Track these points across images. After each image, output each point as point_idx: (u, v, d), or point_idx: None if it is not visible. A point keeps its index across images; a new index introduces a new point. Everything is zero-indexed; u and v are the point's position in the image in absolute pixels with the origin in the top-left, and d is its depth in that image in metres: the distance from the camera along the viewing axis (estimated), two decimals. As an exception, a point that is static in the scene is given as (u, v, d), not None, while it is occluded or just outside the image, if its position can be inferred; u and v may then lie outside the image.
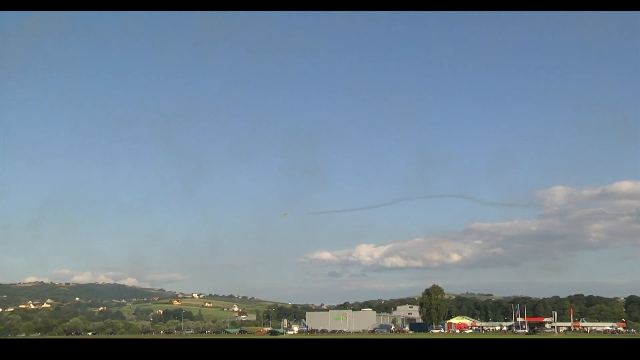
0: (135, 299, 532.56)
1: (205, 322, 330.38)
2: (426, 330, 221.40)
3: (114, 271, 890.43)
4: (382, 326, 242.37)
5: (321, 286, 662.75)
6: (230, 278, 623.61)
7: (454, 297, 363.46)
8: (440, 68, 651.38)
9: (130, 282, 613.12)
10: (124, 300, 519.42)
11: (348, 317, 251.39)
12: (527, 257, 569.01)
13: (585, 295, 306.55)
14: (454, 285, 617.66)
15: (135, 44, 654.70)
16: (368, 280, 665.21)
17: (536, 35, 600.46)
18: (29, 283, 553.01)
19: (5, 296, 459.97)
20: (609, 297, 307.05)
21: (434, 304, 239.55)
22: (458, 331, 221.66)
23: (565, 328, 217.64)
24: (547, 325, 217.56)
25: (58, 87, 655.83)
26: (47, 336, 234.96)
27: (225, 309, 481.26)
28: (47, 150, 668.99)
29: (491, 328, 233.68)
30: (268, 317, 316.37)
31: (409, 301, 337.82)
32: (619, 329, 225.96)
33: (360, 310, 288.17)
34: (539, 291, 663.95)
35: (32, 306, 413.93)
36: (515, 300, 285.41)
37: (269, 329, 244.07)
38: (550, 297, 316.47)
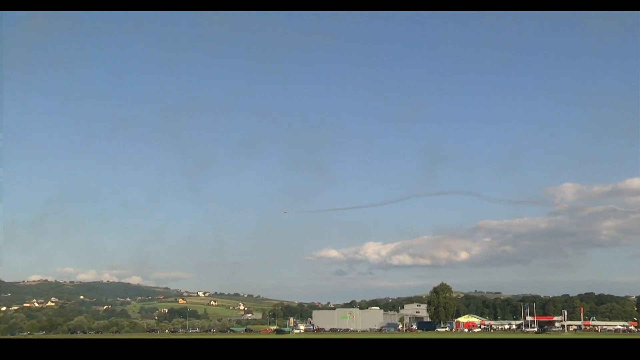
0: (140, 298, 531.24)
1: (210, 320, 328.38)
2: (434, 329, 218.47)
3: (118, 269, 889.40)
4: (389, 325, 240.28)
5: (328, 284, 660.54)
6: (235, 276, 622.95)
7: (462, 295, 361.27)
8: (448, 65, 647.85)
9: (135, 280, 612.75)
10: (128, 299, 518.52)
11: (355, 316, 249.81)
12: (537, 255, 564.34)
13: (596, 293, 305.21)
14: (462, 284, 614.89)
15: (139, 41, 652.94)
16: (375, 279, 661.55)
17: (546, 32, 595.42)
18: (33, 281, 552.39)
19: (9, 294, 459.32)
20: (620, 295, 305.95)
21: (442, 302, 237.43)
22: (466, 330, 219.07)
23: (576, 327, 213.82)
24: (557, 324, 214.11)
25: (61, 84, 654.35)
26: (51, 335, 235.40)
27: (230, 308, 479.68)
28: (51, 148, 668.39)
29: (500, 327, 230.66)
30: (274, 315, 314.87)
31: (417, 299, 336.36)
32: (630, 328, 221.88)
33: (367, 308, 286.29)
34: (549, 289, 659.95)
35: (37, 304, 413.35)
36: (524, 299, 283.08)
37: (275, 327, 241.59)
38: (560, 295, 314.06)
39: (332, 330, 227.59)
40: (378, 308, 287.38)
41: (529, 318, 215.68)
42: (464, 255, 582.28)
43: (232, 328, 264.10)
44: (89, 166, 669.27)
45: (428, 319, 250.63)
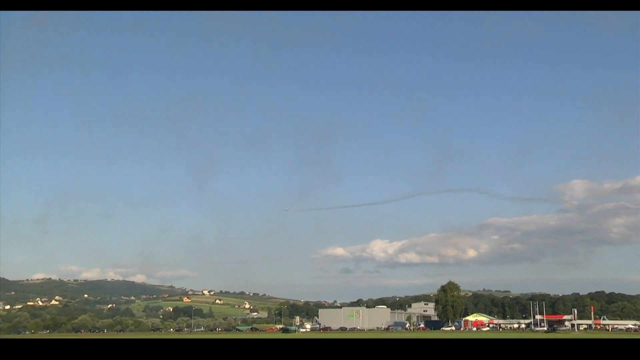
0: (144, 296, 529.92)
1: (215, 319, 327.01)
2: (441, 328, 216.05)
3: (123, 267, 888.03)
4: (396, 324, 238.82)
5: (334, 283, 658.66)
6: (241, 274, 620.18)
7: (470, 294, 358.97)
8: (456, 62, 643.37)
9: (139, 278, 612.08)
10: (133, 297, 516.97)
11: (362, 315, 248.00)
12: (546, 253, 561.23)
13: (607, 292, 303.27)
14: (470, 282, 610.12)
15: (144, 38, 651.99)
16: (382, 277, 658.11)
17: (555, 29, 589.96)
18: (37, 280, 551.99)
19: (13, 293, 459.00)
20: (632, 294, 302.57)
21: (450, 301, 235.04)
22: (475, 329, 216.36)
23: (586, 326, 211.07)
24: (566, 323, 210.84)
25: (64, 82, 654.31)
26: (55, 334, 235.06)
27: (236, 306, 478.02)
28: (55, 146, 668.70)
29: (509, 326, 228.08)
30: (280, 314, 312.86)
31: (424, 298, 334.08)
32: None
33: (374, 307, 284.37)
34: (558, 288, 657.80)
35: (41, 303, 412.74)
36: (533, 297, 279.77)
37: (281, 326, 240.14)
38: (569, 294, 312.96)
39: (342, 329, 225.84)
40: (385, 307, 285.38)
41: (538, 317, 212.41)
42: (472, 253, 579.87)
43: (237, 327, 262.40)
44: (93, 164, 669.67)
45: (436, 318, 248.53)
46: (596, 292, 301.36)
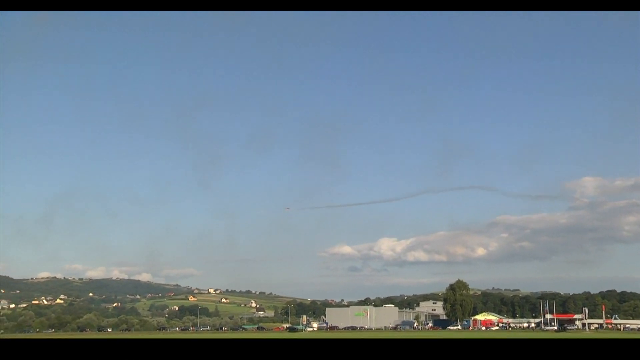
0: (150, 295, 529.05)
1: (222, 318, 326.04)
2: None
3: (128, 266, 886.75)
4: (404, 323, 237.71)
5: (341, 281, 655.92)
6: (247, 273, 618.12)
7: (479, 292, 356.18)
8: (464, 59, 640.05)
9: (144, 277, 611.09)
10: (138, 296, 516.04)
11: (369, 314, 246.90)
12: (556, 251, 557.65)
13: (618, 290, 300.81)
14: (479, 281, 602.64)
15: (150, 35, 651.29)
16: (390, 275, 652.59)
17: (566, 25, 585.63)
18: (42, 278, 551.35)
19: (18, 292, 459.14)
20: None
21: (459, 299, 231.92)
22: (484, 328, 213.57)
23: (597, 325, 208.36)
24: (577, 323, 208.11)
25: (70, 80, 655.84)
26: (61, 333, 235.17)
27: (242, 305, 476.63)
28: (59, 144, 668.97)
29: (518, 325, 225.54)
30: (286, 313, 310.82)
31: (433, 297, 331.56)
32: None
33: (381, 306, 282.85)
34: (569, 287, 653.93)
35: (46, 302, 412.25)
36: (543, 296, 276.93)
37: (287, 325, 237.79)
38: (580, 292, 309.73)
39: (351, 328, 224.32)
40: (393, 306, 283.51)
41: (548, 316, 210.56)
42: (480, 251, 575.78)
43: (243, 326, 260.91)
44: (98, 162, 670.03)
45: (444, 317, 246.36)
46: (607, 291, 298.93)
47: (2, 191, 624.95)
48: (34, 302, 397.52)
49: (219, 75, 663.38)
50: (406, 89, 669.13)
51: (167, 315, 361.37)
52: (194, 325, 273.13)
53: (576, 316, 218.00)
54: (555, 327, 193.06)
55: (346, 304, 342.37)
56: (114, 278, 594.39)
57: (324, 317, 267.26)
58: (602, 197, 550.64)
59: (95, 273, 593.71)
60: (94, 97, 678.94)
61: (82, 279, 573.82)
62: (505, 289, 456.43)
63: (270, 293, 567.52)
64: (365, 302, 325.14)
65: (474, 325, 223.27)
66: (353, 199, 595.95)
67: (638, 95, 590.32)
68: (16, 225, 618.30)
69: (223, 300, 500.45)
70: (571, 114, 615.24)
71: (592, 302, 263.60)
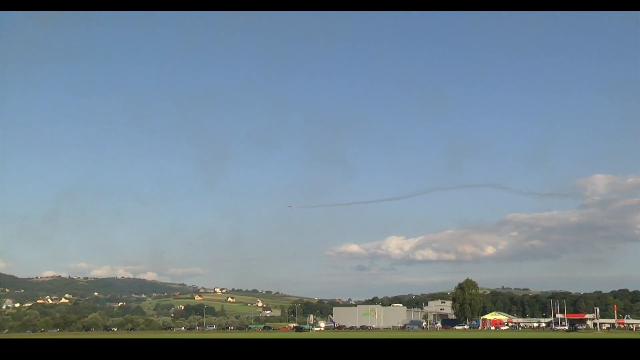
0: (155, 294, 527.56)
1: (228, 317, 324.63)
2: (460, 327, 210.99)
3: (133, 265, 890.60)
4: (412, 322, 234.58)
5: (349, 280, 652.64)
6: (253, 272, 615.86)
7: (488, 291, 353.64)
8: (471, 56, 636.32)
9: (150, 276, 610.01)
10: (143, 295, 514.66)
11: (377, 313, 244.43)
12: (567, 250, 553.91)
13: (631, 290, 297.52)
14: (488, 280, 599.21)
15: (154, 33, 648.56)
16: (398, 274, 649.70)
17: (574, 22, 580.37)
18: (47, 277, 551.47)
19: (22, 291, 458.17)
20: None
21: (468, 299, 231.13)
22: (493, 328, 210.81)
23: (609, 325, 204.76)
24: (588, 322, 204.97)
25: (75, 78, 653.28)
26: (66, 332, 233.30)
27: (248, 304, 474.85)
28: (64, 142, 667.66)
29: (528, 325, 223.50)
30: (293, 312, 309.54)
31: (441, 296, 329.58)
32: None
33: (389, 305, 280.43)
34: (580, 286, 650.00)
35: (50, 301, 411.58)
36: (554, 295, 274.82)
37: (294, 325, 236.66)
38: (592, 292, 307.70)
39: (362, 327, 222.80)
40: (401, 305, 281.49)
41: (559, 315, 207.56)
42: (490, 250, 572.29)
43: (250, 325, 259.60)
44: (103, 160, 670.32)
45: (453, 316, 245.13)
46: (619, 290, 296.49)
47: (6, 190, 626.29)
48: (38, 301, 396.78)
49: (224, 74, 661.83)
50: (414, 87, 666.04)
51: (172, 315, 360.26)
52: (200, 324, 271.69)
53: (587, 316, 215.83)
54: (566, 327, 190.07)
55: (354, 303, 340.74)
56: (119, 277, 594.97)
57: (331, 317, 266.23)
58: (613, 194, 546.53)
59: (101, 272, 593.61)
60: (100, 96, 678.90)
61: (87, 278, 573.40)
62: (515, 288, 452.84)
63: (277, 292, 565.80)
64: (373, 301, 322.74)
65: (483, 324, 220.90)
66: (360, 197, 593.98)
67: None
68: (21, 224, 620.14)
69: (229, 299, 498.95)
70: (581, 111, 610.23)
71: (603, 302, 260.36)
